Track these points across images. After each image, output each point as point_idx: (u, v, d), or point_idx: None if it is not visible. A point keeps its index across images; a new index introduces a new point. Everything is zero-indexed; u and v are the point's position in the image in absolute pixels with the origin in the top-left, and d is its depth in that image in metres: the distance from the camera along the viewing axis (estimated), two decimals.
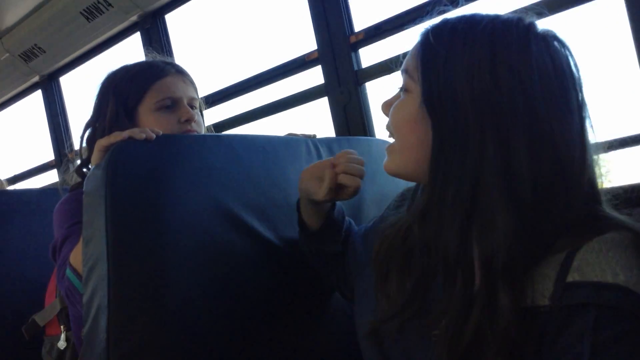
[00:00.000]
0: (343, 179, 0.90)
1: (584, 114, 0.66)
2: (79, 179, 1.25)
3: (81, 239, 0.89)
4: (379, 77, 1.81)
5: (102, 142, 0.95)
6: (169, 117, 1.20)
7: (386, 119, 0.77)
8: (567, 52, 0.66)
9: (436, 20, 0.71)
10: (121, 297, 0.82)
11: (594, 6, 1.41)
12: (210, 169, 0.95)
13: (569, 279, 0.58)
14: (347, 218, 1.02)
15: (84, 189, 0.89)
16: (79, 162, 1.26)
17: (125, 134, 0.91)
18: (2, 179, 3.07)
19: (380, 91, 1.87)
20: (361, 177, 0.92)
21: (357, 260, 0.94)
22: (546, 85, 0.63)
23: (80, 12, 2.53)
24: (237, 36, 2.65)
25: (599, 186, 0.67)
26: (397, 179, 0.78)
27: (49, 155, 3.15)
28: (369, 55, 1.86)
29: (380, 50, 1.84)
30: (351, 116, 1.85)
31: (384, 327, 0.75)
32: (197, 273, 0.89)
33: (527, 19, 0.67)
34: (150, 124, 1.17)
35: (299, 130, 1.35)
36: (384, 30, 1.78)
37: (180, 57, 2.53)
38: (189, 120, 1.21)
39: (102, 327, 0.82)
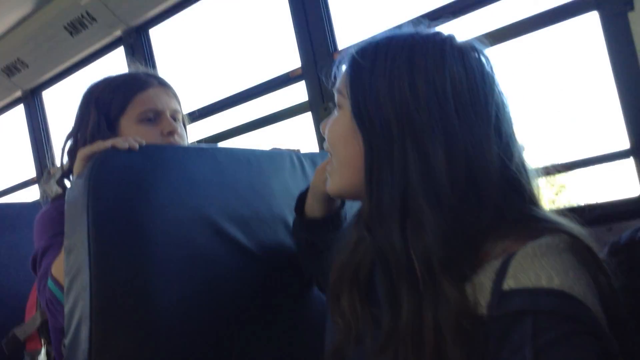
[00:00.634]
0: None
1: (502, 122, 0.68)
2: (60, 191, 1.23)
3: (63, 249, 0.89)
4: None
5: (84, 151, 0.94)
6: (151, 130, 1.19)
7: None
8: (484, 63, 0.69)
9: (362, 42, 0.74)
10: (103, 307, 0.81)
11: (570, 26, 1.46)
12: (193, 180, 0.95)
13: (505, 287, 0.58)
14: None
15: (65, 198, 0.88)
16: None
17: (108, 143, 0.91)
18: None
19: None
20: None
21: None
22: (459, 95, 0.66)
23: (64, 27, 2.53)
24: (222, 52, 2.67)
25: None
26: None
27: (31, 171, 3.11)
28: None
29: None
30: None
31: (344, 345, 0.77)
32: (179, 283, 0.88)
33: (446, 33, 0.70)
34: (132, 136, 1.16)
35: (283, 145, 1.35)
36: None
37: (164, 72, 2.52)
38: (172, 132, 1.20)
39: (84, 338, 0.81)
